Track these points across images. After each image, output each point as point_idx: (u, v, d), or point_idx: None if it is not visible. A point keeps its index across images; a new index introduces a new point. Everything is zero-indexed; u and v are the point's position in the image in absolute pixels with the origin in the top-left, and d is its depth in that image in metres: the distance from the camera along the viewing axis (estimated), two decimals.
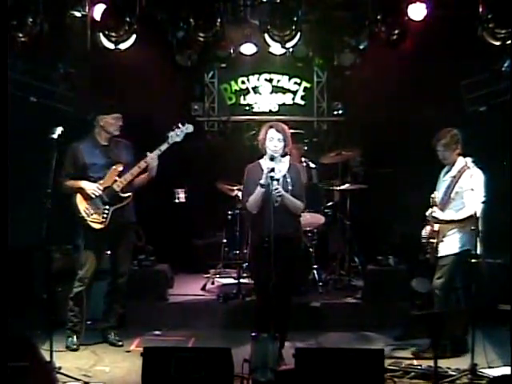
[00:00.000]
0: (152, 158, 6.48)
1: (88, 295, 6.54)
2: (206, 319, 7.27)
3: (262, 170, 5.90)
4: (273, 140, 5.91)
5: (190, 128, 6.63)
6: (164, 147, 6.53)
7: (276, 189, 5.72)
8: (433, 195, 6.14)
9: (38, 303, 6.60)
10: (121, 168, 6.50)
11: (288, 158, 6.08)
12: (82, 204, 6.42)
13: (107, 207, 6.44)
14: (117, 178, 6.47)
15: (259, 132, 6.13)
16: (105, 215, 6.43)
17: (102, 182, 6.46)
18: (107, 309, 6.71)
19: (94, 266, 6.51)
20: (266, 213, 5.77)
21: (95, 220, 6.42)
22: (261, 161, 6.05)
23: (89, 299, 6.57)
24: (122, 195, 6.50)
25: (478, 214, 5.80)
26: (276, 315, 5.62)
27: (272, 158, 5.87)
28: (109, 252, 6.70)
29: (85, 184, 6.41)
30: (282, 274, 5.76)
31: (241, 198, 6.33)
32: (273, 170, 5.75)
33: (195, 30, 7.13)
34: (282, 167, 5.99)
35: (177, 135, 6.56)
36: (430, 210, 6.12)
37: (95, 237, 6.47)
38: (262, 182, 5.80)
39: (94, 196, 6.40)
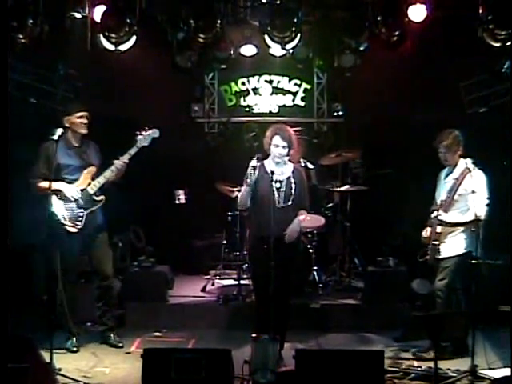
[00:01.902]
0: (123, 162, 6.42)
1: (71, 298, 6.49)
2: (206, 320, 7.27)
3: (266, 171, 5.97)
4: (278, 147, 5.98)
5: (156, 133, 6.55)
6: (133, 151, 6.46)
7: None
8: (442, 197, 6.13)
9: (38, 303, 6.61)
10: (94, 170, 6.47)
11: (288, 159, 6.11)
12: (58, 207, 6.32)
13: (82, 210, 6.38)
14: (90, 181, 6.43)
15: (264, 134, 6.19)
16: (80, 218, 6.37)
17: (76, 184, 6.40)
18: (101, 312, 6.69)
19: (73, 270, 6.48)
20: (266, 214, 5.82)
21: (71, 224, 6.35)
22: (265, 161, 6.10)
23: (75, 302, 6.56)
24: (96, 198, 6.45)
25: (483, 217, 5.80)
26: (275, 316, 5.63)
27: (277, 162, 5.97)
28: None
29: (63, 186, 6.33)
30: (280, 276, 5.78)
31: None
32: (272, 172, 5.87)
33: (195, 31, 7.12)
34: (285, 170, 6.05)
35: (144, 139, 6.50)
36: (435, 213, 6.11)
37: (70, 240, 6.38)
38: (248, 181, 5.89)
39: (73, 199, 6.34)
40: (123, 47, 7.04)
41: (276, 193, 5.91)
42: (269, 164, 6.05)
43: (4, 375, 4.52)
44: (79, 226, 6.35)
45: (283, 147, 5.96)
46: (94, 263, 6.58)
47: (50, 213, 6.20)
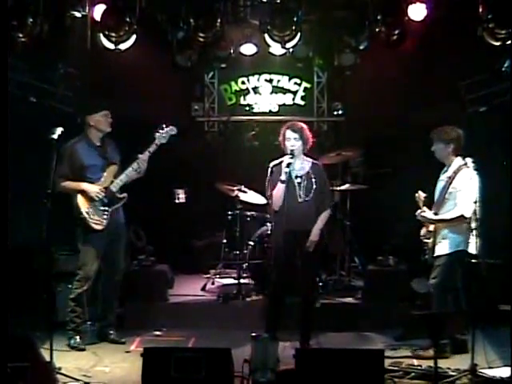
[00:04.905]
0: (144, 159, 6.53)
1: (90, 295, 6.57)
2: (206, 319, 7.26)
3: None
4: (290, 140, 6.16)
5: (173, 130, 6.61)
6: (153, 149, 6.55)
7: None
8: (417, 194, 6.15)
9: (38, 303, 6.61)
10: (116, 169, 6.57)
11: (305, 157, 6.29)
12: (83, 206, 6.44)
13: (106, 208, 6.49)
14: (113, 179, 6.52)
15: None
16: (105, 216, 6.48)
17: (100, 183, 6.50)
18: (106, 307, 6.71)
19: (96, 266, 6.53)
20: (289, 209, 6.02)
21: (96, 221, 6.45)
22: (283, 159, 6.21)
23: (94, 299, 6.63)
24: (119, 196, 6.56)
25: (470, 215, 5.79)
26: (301, 314, 6.13)
27: (291, 156, 6.11)
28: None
29: (87, 186, 6.45)
30: (305, 271, 6.07)
31: (267, 194, 6.46)
32: (289, 164, 6.06)
33: (195, 30, 7.14)
34: (304, 165, 6.24)
35: (163, 137, 6.56)
36: (418, 211, 6.13)
37: (95, 237, 6.49)
38: (282, 178, 6.05)
39: (97, 199, 6.44)
40: (123, 46, 7.05)
41: (297, 188, 6.11)
42: (286, 160, 6.16)
43: (4, 374, 4.53)
44: (104, 224, 6.47)
45: (295, 139, 6.14)
46: (110, 259, 6.63)
47: (76, 212, 6.41)
